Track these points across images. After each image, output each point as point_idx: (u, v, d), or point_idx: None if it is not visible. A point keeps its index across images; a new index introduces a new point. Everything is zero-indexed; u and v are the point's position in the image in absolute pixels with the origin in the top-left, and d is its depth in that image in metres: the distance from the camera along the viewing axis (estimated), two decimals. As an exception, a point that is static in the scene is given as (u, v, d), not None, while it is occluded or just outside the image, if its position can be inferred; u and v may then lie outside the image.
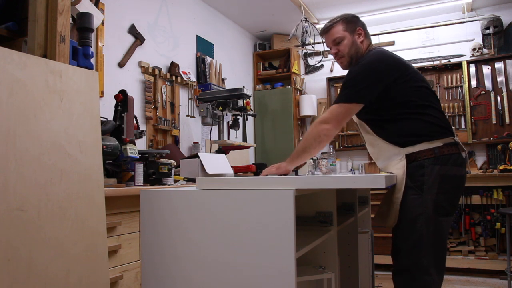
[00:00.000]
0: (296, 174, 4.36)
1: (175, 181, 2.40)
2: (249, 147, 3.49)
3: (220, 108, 2.99)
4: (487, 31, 4.20)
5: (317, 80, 5.04)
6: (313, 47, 3.90)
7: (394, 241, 1.69)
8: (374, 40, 4.70)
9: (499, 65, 4.13)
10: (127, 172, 2.05)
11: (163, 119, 3.24)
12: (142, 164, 2.11)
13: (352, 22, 1.93)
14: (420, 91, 1.72)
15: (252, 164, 3.12)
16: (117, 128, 2.10)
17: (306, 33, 3.81)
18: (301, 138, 4.88)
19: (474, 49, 4.24)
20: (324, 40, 1.99)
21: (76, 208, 1.42)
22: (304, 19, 3.82)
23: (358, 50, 1.88)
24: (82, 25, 1.89)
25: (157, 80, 3.21)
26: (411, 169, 1.62)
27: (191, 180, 2.35)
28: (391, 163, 1.70)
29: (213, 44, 4.10)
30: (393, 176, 1.56)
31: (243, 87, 3.01)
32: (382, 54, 1.78)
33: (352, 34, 1.89)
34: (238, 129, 3.14)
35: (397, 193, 1.63)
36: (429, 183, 1.59)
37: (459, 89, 4.27)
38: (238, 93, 2.97)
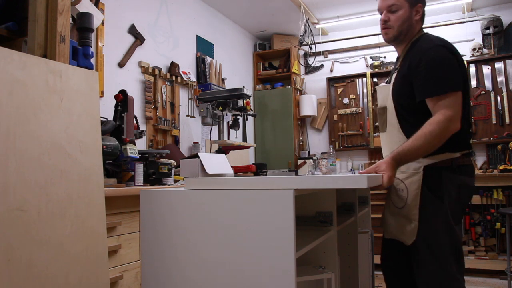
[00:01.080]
0: (296, 174, 4.37)
1: (175, 181, 2.40)
2: (249, 147, 3.49)
3: (220, 108, 2.99)
4: (487, 31, 4.21)
5: (317, 80, 5.05)
6: (310, 47, 3.89)
7: (415, 253, 1.60)
8: (374, 40, 4.71)
9: (499, 65, 4.13)
10: (127, 172, 2.05)
11: (163, 119, 3.24)
12: (142, 164, 2.11)
13: None
14: (466, 98, 1.59)
15: (252, 164, 3.12)
16: (117, 128, 2.10)
17: (305, 33, 3.80)
18: (301, 138, 4.88)
19: (474, 49, 4.24)
20: (379, 1, 1.79)
21: (76, 208, 1.42)
22: (307, 20, 3.82)
23: (410, 28, 1.71)
24: (82, 25, 1.89)
25: (157, 80, 3.21)
26: (428, 178, 1.56)
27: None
28: (406, 173, 1.61)
29: (213, 44, 4.10)
30: (378, 176, 1.42)
31: (243, 87, 3.01)
32: (453, 48, 1.64)
33: (411, 7, 1.71)
34: (238, 129, 3.14)
35: (414, 209, 1.56)
36: (448, 193, 1.55)
37: (459, 89, 4.27)
38: (238, 93, 2.97)
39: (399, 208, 1.63)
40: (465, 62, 4.18)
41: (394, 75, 1.71)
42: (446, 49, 1.61)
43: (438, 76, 1.53)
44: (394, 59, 4.57)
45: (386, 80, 1.83)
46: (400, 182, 1.62)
